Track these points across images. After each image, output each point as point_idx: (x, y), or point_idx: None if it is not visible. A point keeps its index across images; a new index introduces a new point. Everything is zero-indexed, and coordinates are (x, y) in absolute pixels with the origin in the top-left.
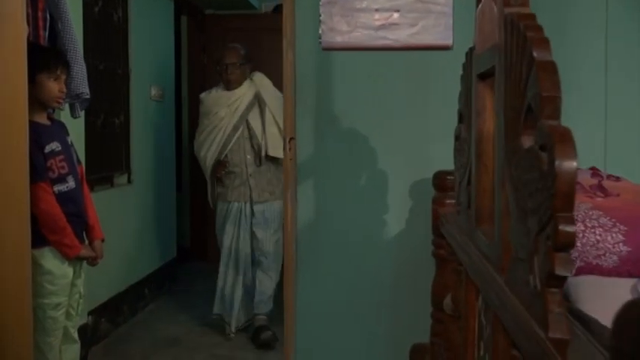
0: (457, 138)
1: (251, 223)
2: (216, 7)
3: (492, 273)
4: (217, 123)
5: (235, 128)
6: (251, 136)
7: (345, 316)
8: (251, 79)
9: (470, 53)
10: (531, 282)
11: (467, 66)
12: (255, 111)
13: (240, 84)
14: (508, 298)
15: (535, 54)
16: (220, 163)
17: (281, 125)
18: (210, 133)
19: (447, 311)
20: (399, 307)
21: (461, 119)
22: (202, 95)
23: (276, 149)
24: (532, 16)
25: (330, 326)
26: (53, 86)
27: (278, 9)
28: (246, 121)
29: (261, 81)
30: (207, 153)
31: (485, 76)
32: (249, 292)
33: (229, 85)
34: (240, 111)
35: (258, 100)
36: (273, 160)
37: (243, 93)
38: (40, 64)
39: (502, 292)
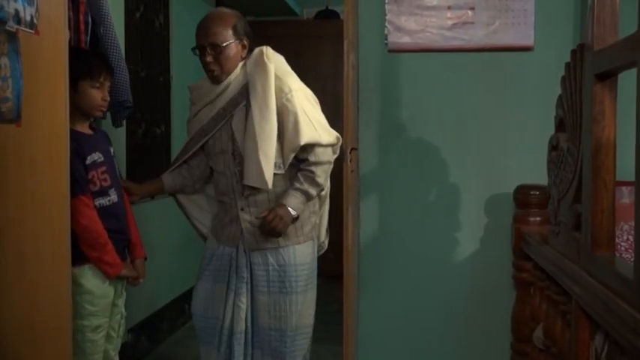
0: (554, 148)
1: (249, 281)
2: (257, 14)
3: (632, 314)
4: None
5: (202, 134)
6: (234, 150)
7: (411, 346)
8: (244, 64)
9: (580, 51)
10: None
11: (574, 66)
12: (242, 112)
13: (227, 74)
14: None
15: None
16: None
17: (266, 141)
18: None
19: (537, 344)
20: (472, 335)
21: (560, 127)
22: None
23: (250, 174)
24: None
25: (396, 358)
26: (96, 94)
27: (320, 15)
28: (231, 127)
29: (253, 68)
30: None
31: (606, 76)
32: None
33: (211, 78)
34: (214, 110)
35: (246, 97)
36: (293, 178)
37: (226, 86)
38: (82, 70)
39: None
